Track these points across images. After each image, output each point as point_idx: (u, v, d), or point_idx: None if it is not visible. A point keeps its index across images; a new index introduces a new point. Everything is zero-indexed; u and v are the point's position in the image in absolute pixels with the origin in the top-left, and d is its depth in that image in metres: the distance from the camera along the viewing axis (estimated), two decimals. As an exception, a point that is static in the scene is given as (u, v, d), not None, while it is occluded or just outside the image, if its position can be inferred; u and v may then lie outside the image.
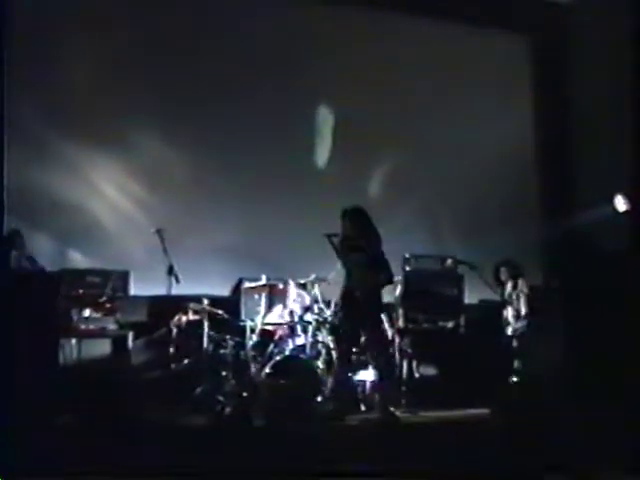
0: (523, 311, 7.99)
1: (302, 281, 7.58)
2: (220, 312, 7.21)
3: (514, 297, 8.10)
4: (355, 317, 6.86)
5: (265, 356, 6.97)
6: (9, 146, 7.30)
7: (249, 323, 7.29)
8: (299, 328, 7.25)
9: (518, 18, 9.75)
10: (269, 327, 7.34)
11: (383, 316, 7.20)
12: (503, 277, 8.26)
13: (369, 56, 9.04)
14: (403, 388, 7.47)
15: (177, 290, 6.78)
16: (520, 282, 8.12)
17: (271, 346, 7.06)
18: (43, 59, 7.92)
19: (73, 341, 6.87)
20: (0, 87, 5.92)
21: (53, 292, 6.87)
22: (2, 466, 4.31)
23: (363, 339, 7.01)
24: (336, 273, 7.12)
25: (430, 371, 7.67)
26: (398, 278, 7.91)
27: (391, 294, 7.95)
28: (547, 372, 7.47)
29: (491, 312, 8.24)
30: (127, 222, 7.96)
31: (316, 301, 7.45)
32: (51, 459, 4.60)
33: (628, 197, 8.35)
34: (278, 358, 6.84)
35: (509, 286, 8.18)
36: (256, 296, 7.66)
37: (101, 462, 4.69)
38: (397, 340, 7.68)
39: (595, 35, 9.14)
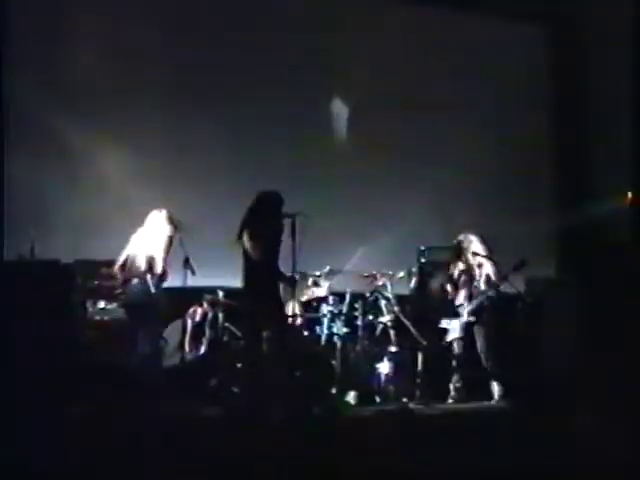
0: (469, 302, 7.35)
1: (317, 273, 7.60)
2: (235, 304, 7.20)
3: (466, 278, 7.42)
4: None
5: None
6: (23, 139, 7.42)
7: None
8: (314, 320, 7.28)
9: (536, 8, 9.71)
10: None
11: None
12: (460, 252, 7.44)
13: (385, 46, 9.01)
14: (418, 380, 7.46)
15: (192, 282, 6.76)
16: (488, 265, 7.36)
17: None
18: (55, 49, 7.93)
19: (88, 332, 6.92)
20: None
21: (68, 283, 6.89)
22: (2, 466, 4.30)
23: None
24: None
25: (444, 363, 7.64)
26: (413, 270, 7.91)
27: (406, 286, 7.95)
28: (561, 365, 7.47)
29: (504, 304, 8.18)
30: (142, 213, 7.94)
31: (331, 293, 7.46)
32: (54, 457, 4.55)
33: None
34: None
35: (460, 265, 7.47)
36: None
37: (110, 457, 4.63)
38: (412, 331, 7.66)
39: (613, 25, 9.09)
